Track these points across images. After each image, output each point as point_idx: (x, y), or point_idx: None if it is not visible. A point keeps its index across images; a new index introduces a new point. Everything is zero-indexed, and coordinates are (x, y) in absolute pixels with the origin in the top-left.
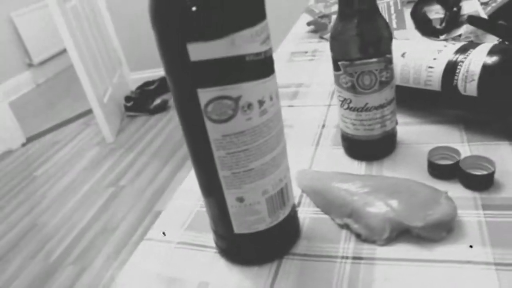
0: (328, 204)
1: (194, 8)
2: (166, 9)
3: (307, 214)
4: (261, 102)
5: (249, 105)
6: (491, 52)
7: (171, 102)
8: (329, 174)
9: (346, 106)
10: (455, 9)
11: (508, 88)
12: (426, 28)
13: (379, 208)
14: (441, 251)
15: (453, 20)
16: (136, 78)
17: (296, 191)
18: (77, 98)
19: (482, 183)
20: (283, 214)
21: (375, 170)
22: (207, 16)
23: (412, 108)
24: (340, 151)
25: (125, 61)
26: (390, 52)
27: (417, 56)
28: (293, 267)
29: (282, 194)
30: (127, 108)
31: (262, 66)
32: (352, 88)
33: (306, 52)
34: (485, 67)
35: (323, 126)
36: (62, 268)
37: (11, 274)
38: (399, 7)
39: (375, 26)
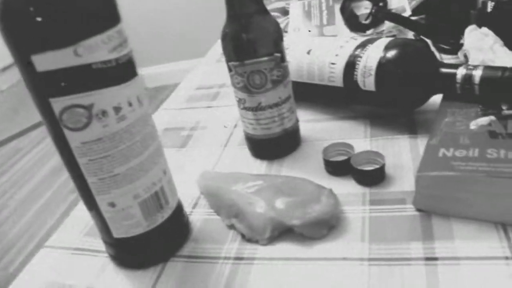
0: (218, 204)
1: (34, 19)
2: (9, 19)
3: (201, 215)
4: (117, 109)
5: (104, 112)
6: (387, 47)
7: None
8: (226, 175)
9: (242, 106)
10: (381, 4)
11: (404, 82)
12: (353, 23)
13: (261, 207)
14: (320, 248)
15: (379, 15)
16: None
17: (196, 193)
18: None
19: (371, 178)
20: (161, 217)
21: (274, 169)
22: (47, 27)
23: (320, 105)
24: (246, 151)
25: None
26: (279, 51)
27: (321, 53)
28: (176, 270)
29: (158, 198)
30: None
31: (114, 73)
32: (245, 88)
33: None
34: (381, 62)
35: (235, 126)
36: None
37: None
38: (331, 4)
39: (260, 26)
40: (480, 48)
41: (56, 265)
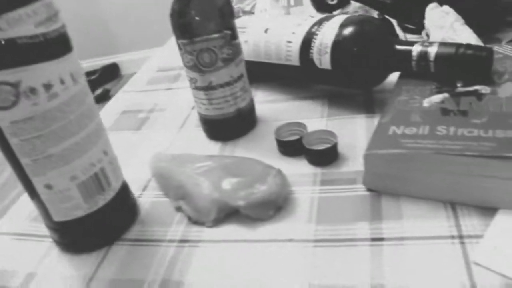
0: (167, 186)
1: None
2: None
3: (150, 198)
4: (47, 86)
5: (32, 90)
6: (343, 25)
7: (114, 91)
8: (177, 156)
9: (193, 85)
10: None
11: (359, 59)
12: (319, 4)
13: (207, 189)
14: (265, 230)
15: None
16: None
17: (148, 175)
18: None
19: (322, 157)
20: (103, 200)
21: (228, 150)
22: None
23: (279, 86)
24: (201, 133)
25: None
26: (229, 28)
27: (278, 31)
28: (121, 253)
29: (98, 179)
30: None
31: (42, 49)
32: (195, 67)
33: None
34: (336, 40)
35: (193, 108)
36: None
37: None
38: None
39: (208, 2)
40: (441, 26)
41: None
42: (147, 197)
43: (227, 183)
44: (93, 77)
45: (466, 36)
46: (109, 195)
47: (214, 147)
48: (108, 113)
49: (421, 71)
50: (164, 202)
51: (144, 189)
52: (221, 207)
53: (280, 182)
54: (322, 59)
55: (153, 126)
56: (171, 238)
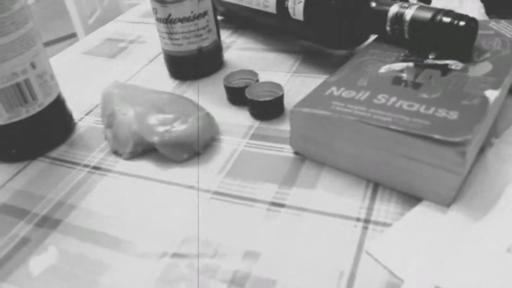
0: (104, 113)
1: None
2: None
3: (89, 122)
4: None
5: None
6: None
7: None
8: (129, 87)
9: (155, 16)
10: None
11: (332, 14)
12: None
13: (129, 120)
14: (174, 172)
15: None
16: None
17: (97, 101)
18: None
19: (261, 110)
20: (26, 112)
21: (181, 89)
22: None
23: (263, 34)
24: (165, 69)
25: None
26: None
27: None
28: (38, 169)
29: (20, 90)
30: None
31: None
32: None
33: None
34: None
35: None
36: None
37: None
38: None
39: None
40: None
41: None
42: (87, 121)
43: (151, 118)
44: None
45: (470, 9)
46: (34, 109)
47: (170, 85)
48: (93, 38)
49: (396, 36)
50: (99, 128)
51: (88, 113)
52: (138, 141)
53: (201, 126)
54: (296, 8)
55: (127, 56)
56: (86, 163)
